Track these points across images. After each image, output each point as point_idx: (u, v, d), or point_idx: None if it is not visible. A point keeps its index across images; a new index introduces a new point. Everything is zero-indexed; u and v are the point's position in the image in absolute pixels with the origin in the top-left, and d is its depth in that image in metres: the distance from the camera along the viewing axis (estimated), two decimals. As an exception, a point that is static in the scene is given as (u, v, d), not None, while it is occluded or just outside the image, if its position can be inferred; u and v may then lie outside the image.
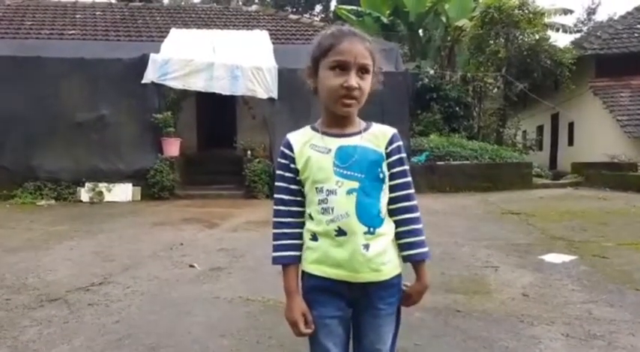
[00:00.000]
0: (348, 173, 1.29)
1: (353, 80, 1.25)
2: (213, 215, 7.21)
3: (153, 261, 4.40)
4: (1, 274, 3.92)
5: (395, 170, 1.35)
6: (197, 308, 3.10)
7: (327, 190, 1.29)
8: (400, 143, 1.36)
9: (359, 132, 1.33)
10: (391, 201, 1.35)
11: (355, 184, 1.28)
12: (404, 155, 1.37)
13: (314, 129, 1.36)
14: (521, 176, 11.11)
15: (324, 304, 1.33)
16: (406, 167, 1.37)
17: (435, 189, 10.15)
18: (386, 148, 1.33)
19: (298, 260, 1.36)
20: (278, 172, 1.38)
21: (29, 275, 3.87)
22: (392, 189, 1.35)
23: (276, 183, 1.38)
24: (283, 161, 1.36)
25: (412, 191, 1.37)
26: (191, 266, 4.19)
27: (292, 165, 1.34)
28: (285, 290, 1.36)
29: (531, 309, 3.06)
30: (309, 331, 1.33)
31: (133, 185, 9.16)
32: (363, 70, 1.27)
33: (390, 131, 1.37)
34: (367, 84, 1.29)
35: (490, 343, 2.55)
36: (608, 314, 2.95)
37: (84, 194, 8.92)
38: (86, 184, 8.98)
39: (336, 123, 1.33)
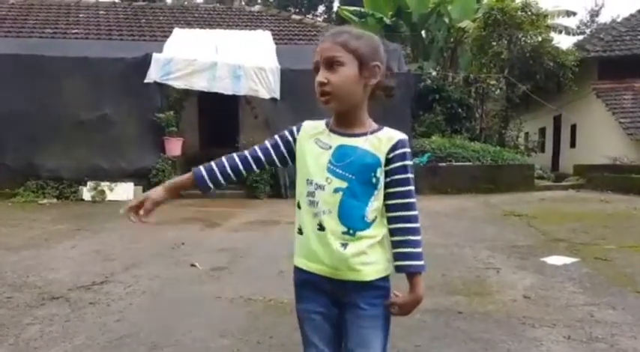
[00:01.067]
0: (340, 172, 1.29)
1: (319, 76, 1.27)
2: (215, 215, 7.21)
3: (154, 261, 4.41)
4: (2, 272, 3.93)
5: (396, 177, 1.32)
6: (198, 308, 3.10)
7: (316, 184, 1.30)
8: (406, 150, 1.32)
9: (365, 134, 1.32)
10: (389, 208, 1.33)
11: (343, 184, 1.28)
12: (409, 162, 1.33)
13: (327, 124, 1.37)
14: (523, 178, 11.10)
15: (309, 299, 1.35)
16: (409, 175, 1.33)
17: (437, 190, 10.14)
18: (387, 153, 1.31)
19: (203, 183, 1.38)
20: (275, 136, 1.42)
21: (31, 274, 3.88)
22: (391, 196, 1.32)
23: (265, 141, 1.42)
24: (286, 133, 1.40)
25: (413, 200, 1.33)
26: (192, 265, 4.19)
27: (287, 144, 1.38)
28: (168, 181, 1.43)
29: (533, 311, 3.06)
30: (133, 218, 1.38)
31: (135, 184, 9.16)
32: (331, 63, 1.27)
33: (396, 137, 1.32)
34: (339, 77, 1.26)
35: (492, 345, 2.55)
36: (609, 317, 2.95)
37: (86, 193, 8.93)
38: (88, 183, 9.00)
39: (341, 122, 1.34)
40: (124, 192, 9.06)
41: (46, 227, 6.11)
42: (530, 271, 4.04)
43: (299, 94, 9.41)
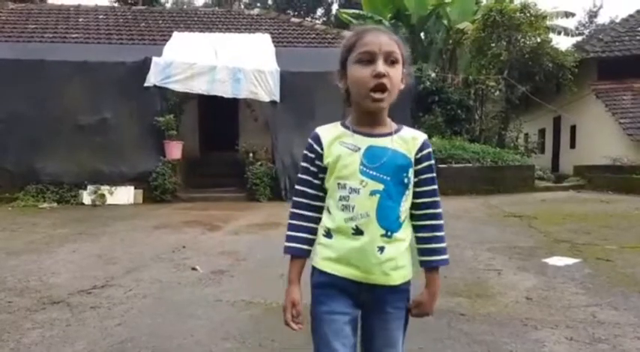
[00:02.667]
0: (375, 174, 1.27)
1: (381, 67, 1.23)
2: (215, 218, 7.20)
3: (155, 264, 4.40)
4: (3, 277, 3.92)
5: (423, 176, 1.34)
6: (199, 311, 3.10)
7: (351, 188, 1.28)
8: (430, 150, 1.35)
9: (390, 134, 1.32)
10: (417, 207, 1.34)
11: (380, 186, 1.27)
12: (433, 162, 1.36)
13: (344, 126, 1.34)
14: (524, 179, 11.11)
15: (333, 300, 1.32)
16: (434, 174, 1.36)
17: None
18: (416, 154, 1.32)
19: (307, 254, 1.37)
20: (303, 164, 1.38)
21: (31, 278, 3.87)
22: (419, 195, 1.34)
23: (300, 175, 1.38)
24: (310, 155, 1.35)
25: (438, 199, 1.37)
26: (193, 269, 4.18)
27: (317, 161, 1.34)
28: (287, 278, 1.37)
29: (535, 313, 3.05)
30: (294, 326, 1.32)
31: (135, 188, 9.17)
32: (391, 59, 1.25)
33: (421, 137, 1.35)
34: (397, 73, 1.26)
35: (494, 347, 2.54)
36: (612, 318, 2.94)
37: (86, 197, 8.93)
38: (88, 187, 9.00)
39: (367, 122, 1.32)
40: (124, 195, 9.06)
41: (47, 231, 6.10)
42: (532, 272, 4.03)
43: (299, 97, 9.46)
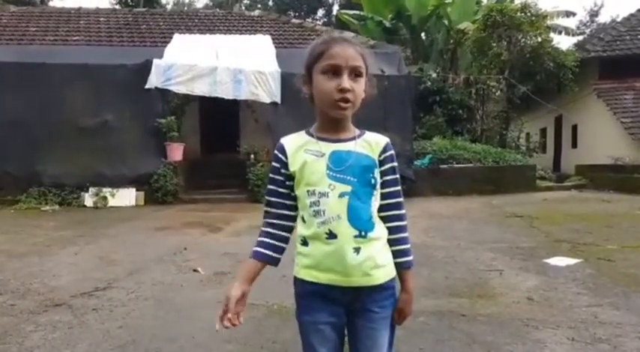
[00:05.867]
0: (341, 176, 1.30)
1: (346, 82, 1.26)
2: (217, 219, 7.21)
3: (157, 266, 4.41)
4: (5, 279, 3.93)
5: (387, 178, 1.37)
6: (201, 313, 3.10)
7: (319, 193, 1.29)
8: (392, 152, 1.38)
9: (353, 138, 1.35)
10: (383, 208, 1.36)
11: (347, 188, 1.29)
12: (395, 164, 1.39)
13: (309, 134, 1.37)
14: (525, 179, 11.10)
15: (318, 310, 1.32)
16: (397, 176, 1.39)
17: (439, 192, 10.14)
18: (379, 156, 1.35)
19: (270, 259, 1.35)
20: (270, 175, 1.39)
21: (33, 281, 3.88)
22: (384, 196, 1.37)
23: (268, 186, 1.40)
24: (275, 164, 1.37)
25: (402, 199, 1.40)
26: (195, 270, 4.19)
27: (283, 170, 1.35)
28: (238, 274, 1.36)
29: (536, 313, 3.05)
30: (217, 326, 1.30)
31: (137, 190, 9.19)
32: (355, 73, 1.29)
33: (383, 140, 1.38)
34: (360, 87, 1.30)
35: (495, 347, 2.54)
36: (613, 318, 2.94)
37: (88, 199, 8.95)
38: (90, 189, 9.01)
39: (331, 128, 1.35)
40: (125, 197, 9.08)
41: (49, 233, 6.12)
42: (533, 272, 4.03)
43: (300, 98, 9.44)
